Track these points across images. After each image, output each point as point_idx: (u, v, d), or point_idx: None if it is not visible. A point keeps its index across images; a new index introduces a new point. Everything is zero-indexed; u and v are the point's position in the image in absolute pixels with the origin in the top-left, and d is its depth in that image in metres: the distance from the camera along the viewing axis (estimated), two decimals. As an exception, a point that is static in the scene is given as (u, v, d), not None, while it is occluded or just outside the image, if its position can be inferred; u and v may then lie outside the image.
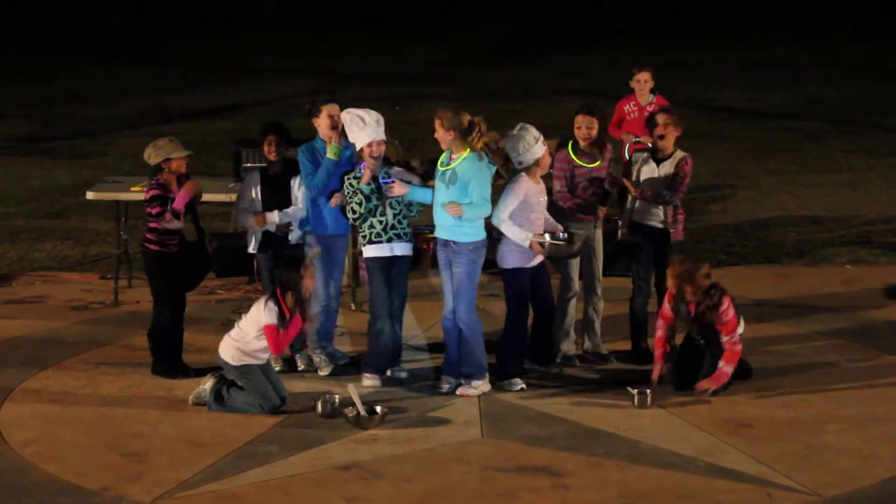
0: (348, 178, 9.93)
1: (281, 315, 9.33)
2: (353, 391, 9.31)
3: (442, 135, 9.72)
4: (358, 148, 9.88)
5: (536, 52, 28.65)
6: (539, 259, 9.98)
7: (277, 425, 9.18)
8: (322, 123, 10.14)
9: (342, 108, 10.08)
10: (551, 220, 10.07)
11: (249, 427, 9.12)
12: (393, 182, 9.84)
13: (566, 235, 9.88)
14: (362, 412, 9.16)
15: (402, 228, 9.96)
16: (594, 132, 10.26)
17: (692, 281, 9.63)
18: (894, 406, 9.52)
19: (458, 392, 9.76)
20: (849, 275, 12.99)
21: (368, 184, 9.85)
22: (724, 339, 9.65)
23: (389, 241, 9.90)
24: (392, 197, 9.90)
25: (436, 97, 22.03)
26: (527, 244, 9.77)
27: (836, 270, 13.16)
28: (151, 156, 10.06)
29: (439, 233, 9.79)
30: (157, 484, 8.24)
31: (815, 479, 8.28)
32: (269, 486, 8.25)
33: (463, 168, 9.65)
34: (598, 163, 10.29)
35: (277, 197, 10.30)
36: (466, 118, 9.70)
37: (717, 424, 9.16)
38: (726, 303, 9.65)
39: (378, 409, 9.24)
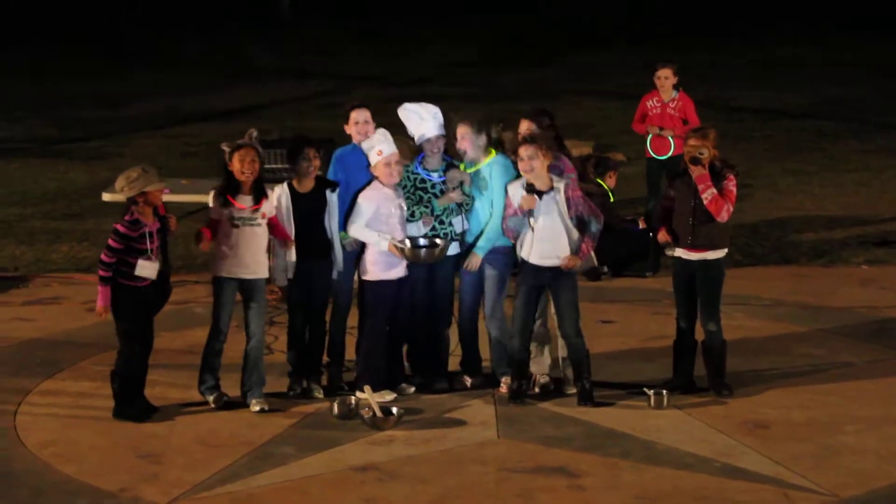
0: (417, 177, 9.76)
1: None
2: (369, 392, 9.31)
3: (472, 140, 9.62)
4: (417, 143, 9.78)
5: (549, 52, 28.63)
6: (402, 270, 9.64)
7: (294, 426, 9.19)
8: (350, 130, 9.83)
9: (371, 109, 9.81)
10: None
11: (265, 428, 9.13)
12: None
13: (428, 242, 9.62)
14: (378, 413, 9.16)
15: (442, 229, 9.73)
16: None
17: (705, 137, 9.52)
18: (911, 406, 9.52)
19: (502, 388, 9.74)
20: (866, 275, 12.96)
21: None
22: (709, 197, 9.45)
23: None
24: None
25: (447, 98, 22.03)
26: (384, 246, 9.46)
27: (853, 270, 13.13)
28: (125, 188, 9.08)
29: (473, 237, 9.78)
30: (174, 485, 8.25)
31: (833, 480, 8.26)
32: (285, 487, 8.25)
33: (493, 171, 9.66)
34: None
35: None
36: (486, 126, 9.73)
37: (733, 425, 9.14)
38: (732, 180, 9.53)
39: (394, 410, 9.24)
